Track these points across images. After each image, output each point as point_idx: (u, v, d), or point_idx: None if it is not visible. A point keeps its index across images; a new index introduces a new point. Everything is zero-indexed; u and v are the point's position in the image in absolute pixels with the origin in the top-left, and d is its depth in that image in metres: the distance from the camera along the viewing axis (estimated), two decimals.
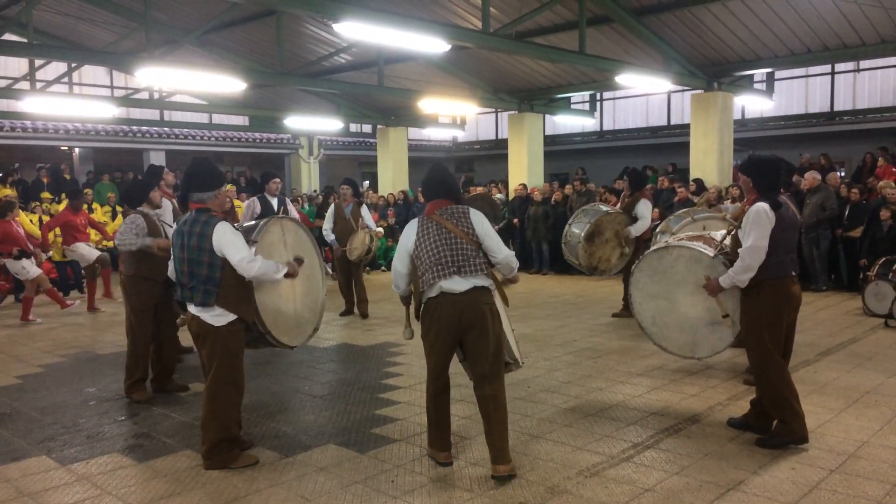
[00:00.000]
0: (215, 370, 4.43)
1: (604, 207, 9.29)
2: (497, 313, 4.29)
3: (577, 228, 8.96)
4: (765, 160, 4.74)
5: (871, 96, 17.68)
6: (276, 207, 9.02)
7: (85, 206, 14.94)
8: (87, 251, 10.95)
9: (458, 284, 4.16)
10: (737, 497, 3.92)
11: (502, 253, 4.34)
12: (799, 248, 5.36)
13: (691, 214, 7.90)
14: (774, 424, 4.68)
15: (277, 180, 9.26)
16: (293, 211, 9.52)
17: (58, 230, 11.25)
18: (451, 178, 4.50)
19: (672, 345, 5.77)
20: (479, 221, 4.33)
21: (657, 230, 8.66)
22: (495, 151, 22.63)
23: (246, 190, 17.37)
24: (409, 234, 4.36)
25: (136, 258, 6.03)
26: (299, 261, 4.81)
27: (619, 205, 9.55)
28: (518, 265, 4.54)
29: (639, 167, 18.77)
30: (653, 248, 6.02)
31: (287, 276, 4.67)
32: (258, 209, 8.89)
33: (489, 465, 4.22)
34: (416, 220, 4.42)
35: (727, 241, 5.21)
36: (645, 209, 8.94)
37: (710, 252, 5.30)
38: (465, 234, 4.24)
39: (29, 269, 10.00)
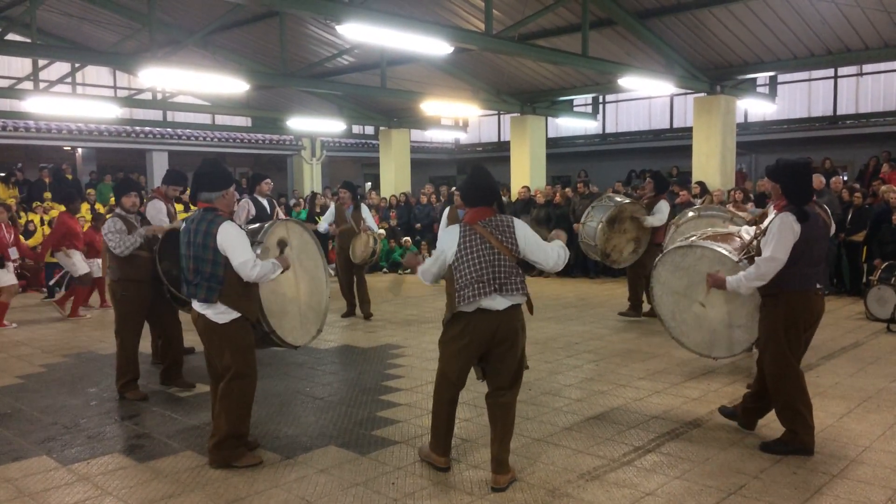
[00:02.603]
0: (228, 366, 4.43)
1: (626, 199, 9.37)
2: (525, 328, 4.20)
3: (599, 212, 9.05)
4: (794, 164, 4.50)
5: (875, 100, 17.66)
6: (267, 208, 8.98)
7: (86, 206, 15.06)
8: (79, 263, 10.27)
9: (497, 303, 4.04)
10: (738, 501, 3.90)
11: (551, 260, 4.16)
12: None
13: (699, 211, 7.92)
14: (783, 431, 4.65)
15: (269, 181, 9.21)
16: (281, 213, 9.47)
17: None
18: (494, 183, 4.28)
19: (689, 341, 5.78)
20: (523, 234, 4.14)
21: (671, 221, 8.68)
22: (497, 154, 22.63)
23: (247, 192, 17.37)
24: (450, 242, 4.15)
25: (121, 262, 6.04)
26: (282, 244, 4.79)
27: None
28: (566, 255, 4.26)
29: (639, 170, 18.84)
30: (677, 244, 5.97)
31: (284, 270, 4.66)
32: (253, 210, 8.83)
33: (490, 468, 4.20)
34: (456, 227, 4.20)
35: (754, 244, 5.06)
36: (664, 207, 9.14)
37: (735, 257, 5.26)
38: (509, 250, 4.08)
39: (1, 277, 9.40)
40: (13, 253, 9.69)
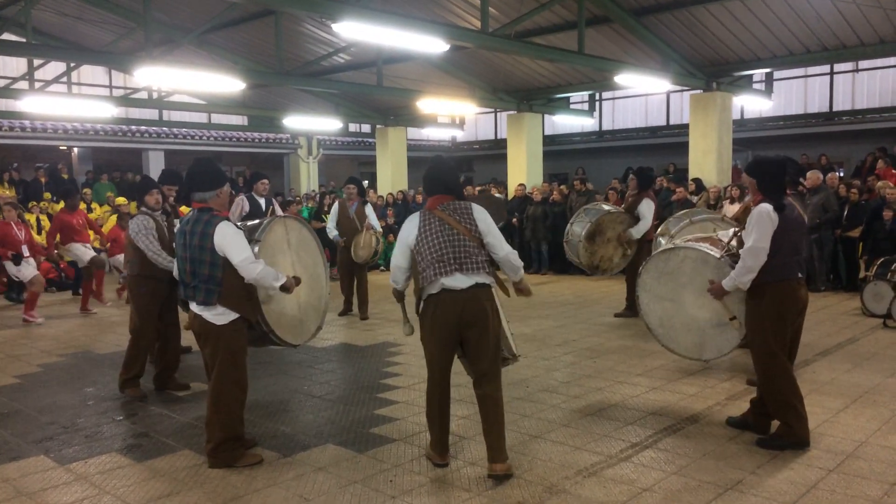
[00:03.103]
0: (219, 369, 4.42)
1: (606, 206, 9.30)
2: (497, 311, 4.25)
3: (578, 227, 8.95)
4: (769, 161, 4.67)
5: (870, 96, 17.70)
6: (263, 207, 9.00)
7: (83, 206, 15.04)
8: (81, 251, 10.70)
9: (459, 282, 4.10)
10: (735, 497, 3.92)
11: (504, 250, 4.27)
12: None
13: (689, 216, 7.90)
14: (777, 426, 4.67)
15: (266, 181, 9.23)
16: (279, 212, 9.41)
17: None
18: (453, 173, 4.40)
19: (679, 346, 5.75)
20: (482, 217, 4.25)
21: (657, 232, 8.62)
22: (494, 151, 22.64)
23: (244, 190, 17.37)
24: (410, 228, 4.29)
25: (141, 258, 6.03)
26: (297, 280, 4.77)
27: (623, 204, 9.56)
28: (522, 264, 4.43)
29: (636, 167, 18.83)
30: (659, 249, 5.99)
31: (283, 288, 4.56)
32: (247, 207, 8.85)
33: (487, 464, 4.21)
34: (416, 214, 4.35)
35: (734, 243, 5.17)
36: (647, 209, 8.95)
37: (717, 254, 5.29)
38: (468, 230, 4.17)
39: (24, 271, 9.85)
40: (24, 250, 9.86)
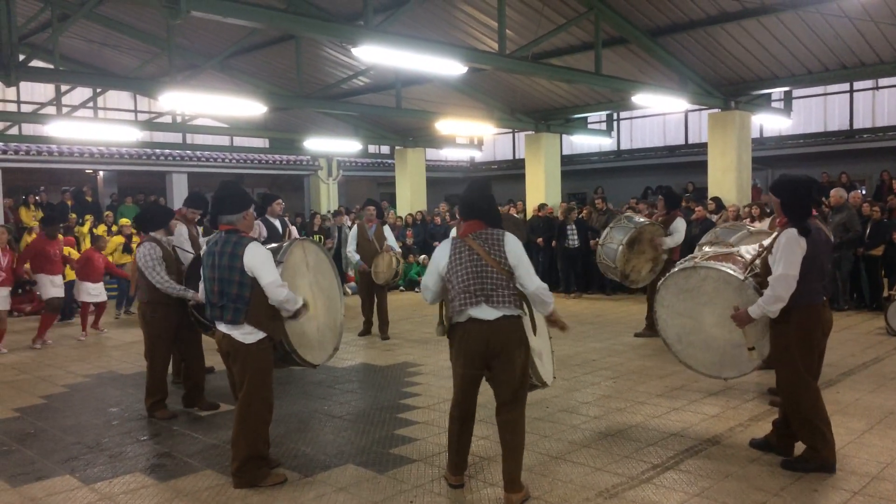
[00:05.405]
0: (247, 387, 4.48)
1: (642, 219, 9.31)
2: (525, 342, 4.20)
3: (618, 233, 9.00)
4: (795, 181, 4.57)
5: (891, 114, 17.56)
6: (279, 229, 8.97)
7: (103, 228, 15.24)
8: (45, 285, 9.96)
9: (486, 313, 4.09)
10: None
11: (533, 284, 4.16)
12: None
13: (747, 228, 7.77)
14: (804, 449, 4.62)
15: (280, 201, 9.11)
16: (294, 232, 9.30)
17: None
18: (488, 198, 4.33)
19: (698, 363, 5.68)
20: (513, 249, 4.17)
21: (700, 242, 8.45)
22: (512, 171, 22.69)
23: (257, 214, 17.46)
24: (442, 254, 4.30)
25: (150, 284, 6.10)
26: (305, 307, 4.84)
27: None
28: (552, 299, 4.27)
29: (654, 187, 18.79)
30: (679, 266, 5.94)
31: (296, 312, 4.65)
32: (264, 232, 8.65)
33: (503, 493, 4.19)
34: (449, 240, 4.35)
35: (757, 262, 5.07)
36: (681, 226, 9.08)
37: (740, 275, 5.23)
38: (497, 262, 4.12)
39: None
40: None
